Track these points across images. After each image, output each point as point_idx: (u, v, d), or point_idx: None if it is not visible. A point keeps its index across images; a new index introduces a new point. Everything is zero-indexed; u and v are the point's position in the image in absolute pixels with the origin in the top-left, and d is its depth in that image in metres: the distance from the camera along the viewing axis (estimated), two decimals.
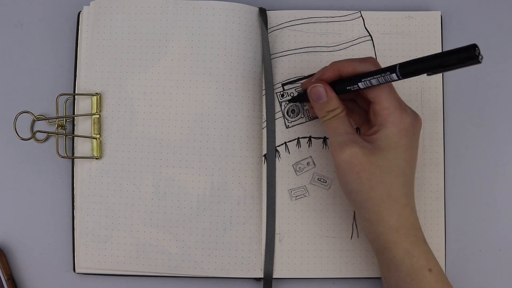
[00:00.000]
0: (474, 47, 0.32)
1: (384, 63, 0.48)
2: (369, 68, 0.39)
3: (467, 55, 0.32)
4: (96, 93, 0.47)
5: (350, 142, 0.39)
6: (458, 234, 0.48)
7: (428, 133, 0.48)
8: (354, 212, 0.47)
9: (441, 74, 0.49)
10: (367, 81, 0.38)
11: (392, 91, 0.39)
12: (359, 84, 0.39)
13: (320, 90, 0.40)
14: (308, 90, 0.41)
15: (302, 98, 0.46)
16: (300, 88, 0.47)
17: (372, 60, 0.40)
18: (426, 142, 0.48)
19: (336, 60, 0.48)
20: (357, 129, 0.46)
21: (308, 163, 0.48)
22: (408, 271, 0.39)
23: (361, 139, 0.39)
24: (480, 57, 0.32)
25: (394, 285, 0.40)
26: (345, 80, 0.40)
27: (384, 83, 0.38)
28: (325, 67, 0.41)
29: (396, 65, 0.36)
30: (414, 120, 0.40)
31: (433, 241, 0.47)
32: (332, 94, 0.40)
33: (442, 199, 0.48)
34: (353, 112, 0.44)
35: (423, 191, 0.47)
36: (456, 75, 0.50)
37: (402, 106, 0.39)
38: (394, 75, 0.36)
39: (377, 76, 0.37)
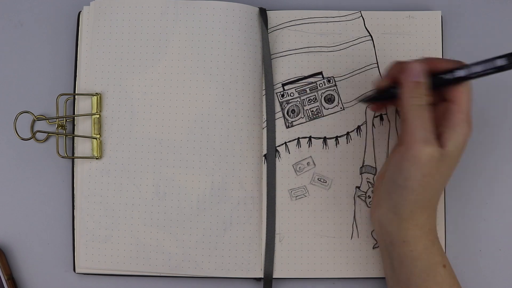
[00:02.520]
0: None
1: (384, 63, 0.48)
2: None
3: None
4: (96, 93, 0.47)
5: (434, 144, 0.38)
6: (458, 234, 0.48)
7: None
8: (354, 212, 0.47)
9: None
10: (472, 68, 0.38)
11: (471, 97, 0.40)
12: (461, 72, 0.39)
13: (419, 68, 0.39)
14: (408, 65, 0.39)
15: (378, 97, 0.44)
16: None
17: (460, 63, 0.40)
18: None
19: (336, 60, 0.48)
20: None
21: (308, 163, 0.48)
22: (424, 266, 0.40)
23: (437, 142, 0.39)
24: None
25: (406, 281, 0.40)
26: (439, 72, 0.39)
27: (488, 72, 0.38)
28: (398, 64, 0.41)
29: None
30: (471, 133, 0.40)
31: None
32: (427, 79, 0.39)
33: (442, 198, 0.47)
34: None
35: None
36: None
37: (471, 116, 0.40)
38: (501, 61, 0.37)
39: (484, 63, 0.38)
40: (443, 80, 0.39)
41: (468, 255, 0.48)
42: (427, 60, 0.40)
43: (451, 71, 0.39)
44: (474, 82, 0.49)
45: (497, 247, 0.48)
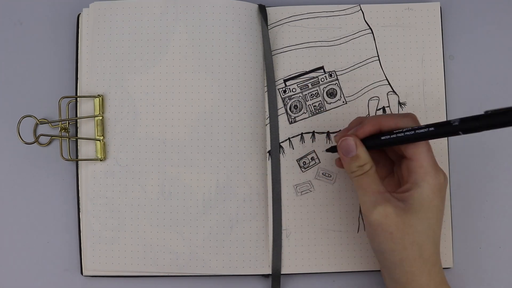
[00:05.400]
0: None
1: (385, 55, 0.48)
2: (411, 124, 0.39)
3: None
4: (98, 95, 0.47)
5: (383, 201, 0.38)
6: (458, 231, 0.48)
7: None
8: (360, 205, 0.47)
9: (441, 61, 0.48)
10: (419, 135, 0.37)
11: (430, 149, 0.39)
12: (401, 143, 0.38)
13: (351, 144, 0.39)
14: (338, 143, 0.40)
15: (335, 149, 0.44)
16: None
17: (413, 116, 0.40)
18: None
19: (336, 54, 0.48)
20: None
21: (312, 158, 0.48)
22: None
23: (393, 198, 0.39)
24: None
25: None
26: (382, 134, 0.39)
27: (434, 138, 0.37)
28: (357, 119, 0.41)
29: (453, 121, 0.35)
30: (445, 179, 0.39)
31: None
32: (362, 149, 0.39)
33: (447, 190, 0.47)
34: (378, 163, 0.43)
35: None
36: (458, 69, 0.50)
37: (437, 165, 0.39)
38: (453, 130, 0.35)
39: (434, 132, 0.36)
40: (389, 140, 0.39)
41: (468, 252, 0.48)
42: (374, 121, 0.40)
43: (400, 131, 0.38)
44: (472, 70, 0.50)
45: (497, 245, 0.48)
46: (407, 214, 0.38)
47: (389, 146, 0.39)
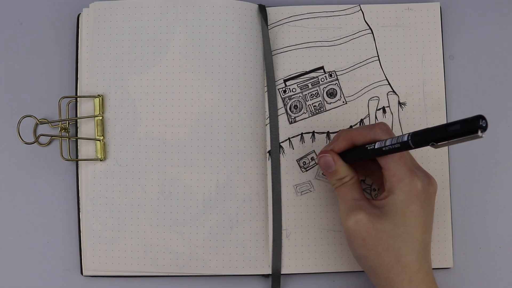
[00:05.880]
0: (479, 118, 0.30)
1: (385, 55, 0.48)
2: (380, 134, 0.39)
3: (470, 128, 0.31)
4: (98, 95, 0.47)
5: (356, 209, 0.39)
6: (458, 231, 0.48)
7: (432, 124, 0.48)
8: None
9: (441, 61, 0.49)
10: (378, 152, 0.38)
11: (403, 157, 0.39)
12: (366, 157, 0.40)
13: (329, 160, 0.41)
14: (317, 160, 0.42)
15: None
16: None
17: (381, 126, 0.40)
18: None
19: (337, 54, 0.48)
20: (377, 190, 0.47)
21: (312, 158, 0.48)
22: None
23: (369, 205, 0.39)
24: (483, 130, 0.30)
25: None
26: (356, 149, 0.41)
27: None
28: (339, 133, 0.42)
29: (407, 135, 0.35)
30: (427, 184, 0.39)
31: (440, 233, 0.47)
32: (340, 163, 0.41)
33: (447, 190, 0.48)
34: (374, 172, 0.44)
35: None
36: (458, 69, 0.50)
37: (413, 172, 0.39)
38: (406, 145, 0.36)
39: (387, 148, 0.37)
40: (354, 156, 0.41)
41: (468, 252, 0.48)
42: (346, 136, 0.41)
43: (366, 151, 0.39)
44: (473, 70, 0.50)
45: (497, 245, 0.48)
46: (381, 220, 0.38)
47: (361, 160, 0.41)
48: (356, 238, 0.39)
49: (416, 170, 0.40)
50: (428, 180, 0.40)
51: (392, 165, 0.39)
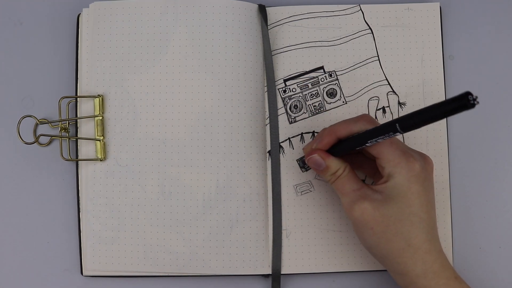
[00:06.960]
0: (467, 95, 0.30)
1: (384, 55, 0.48)
2: (364, 126, 0.39)
3: (460, 104, 0.31)
4: (98, 95, 0.47)
5: (359, 199, 0.39)
6: (458, 231, 0.48)
7: (431, 124, 0.48)
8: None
9: (441, 61, 0.49)
10: (366, 143, 0.38)
11: (393, 142, 0.39)
12: (357, 147, 0.40)
13: (317, 159, 0.41)
14: (307, 161, 0.42)
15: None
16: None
17: (365, 118, 0.40)
18: (430, 134, 0.48)
19: (336, 54, 0.48)
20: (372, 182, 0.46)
21: None
22: None
23: (371, 192, 0.39)
24: (474, 102, 0.30)
25: None
26: (344, 142, 0.41)
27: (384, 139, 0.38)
28: (322, 131, 0.42)
29: (395, 121, 0.35)
30: (424, 163, 0.39)
31: (440, 233, 0.47)
32: (330, 159, 0.41)
33: (447, 190, 0.48)
34: (363, 164, 0.44)
35: None
36: (458, 69, 0.50)
37: (408, 154, 0.39)
38: (394, 132, 0.36)
39: (377, 138, 0.37)
40: (343, 148, 0.41)
41: (468, 252, 0.48)
42: (330, 132, 0.41)
43: (353, 142, 0.40)
44: (473, 70, 0.50)
45: (497, 245, 0.48)
46: (385, 205, 0.38)
47: (349, 151, 0.41)
48: (365, 227, 0.39)
49: (410, 151, 0.40)
50: (424, 159, 0.40)
51: (385, 151, 0.39)
